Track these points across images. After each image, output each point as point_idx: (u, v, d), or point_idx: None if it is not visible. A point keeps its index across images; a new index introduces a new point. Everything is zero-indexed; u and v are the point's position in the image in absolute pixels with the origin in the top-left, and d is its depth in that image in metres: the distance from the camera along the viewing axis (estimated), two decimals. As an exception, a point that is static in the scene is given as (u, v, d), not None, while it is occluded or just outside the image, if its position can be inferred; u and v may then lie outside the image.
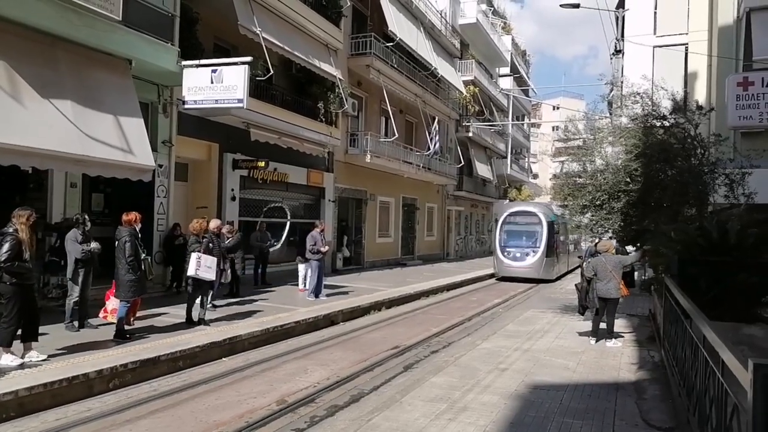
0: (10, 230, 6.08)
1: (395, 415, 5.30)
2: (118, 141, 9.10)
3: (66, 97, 8.53)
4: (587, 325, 9.46)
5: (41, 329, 7.06)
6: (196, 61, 11.46)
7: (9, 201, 10.04)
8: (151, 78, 11.22)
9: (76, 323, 7.92)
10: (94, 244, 7.90)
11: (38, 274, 6.50)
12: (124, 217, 7.75)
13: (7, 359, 6.06)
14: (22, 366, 6.04)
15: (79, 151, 8.38)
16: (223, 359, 7.81)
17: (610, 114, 15.60)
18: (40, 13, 8.31)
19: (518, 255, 20.55)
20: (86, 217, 8.19)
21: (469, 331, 10.44)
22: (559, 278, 22.04)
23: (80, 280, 7.80)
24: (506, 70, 39.65)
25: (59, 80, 8.60)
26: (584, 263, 10.35)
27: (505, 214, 21.95)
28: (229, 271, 11.13)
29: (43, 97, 8.18)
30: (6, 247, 5.93)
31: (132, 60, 9.98)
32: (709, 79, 16.21)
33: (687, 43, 18.27)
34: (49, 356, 6.45)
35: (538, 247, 20.39)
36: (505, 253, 20.76)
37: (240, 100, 11.30)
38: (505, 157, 39.80)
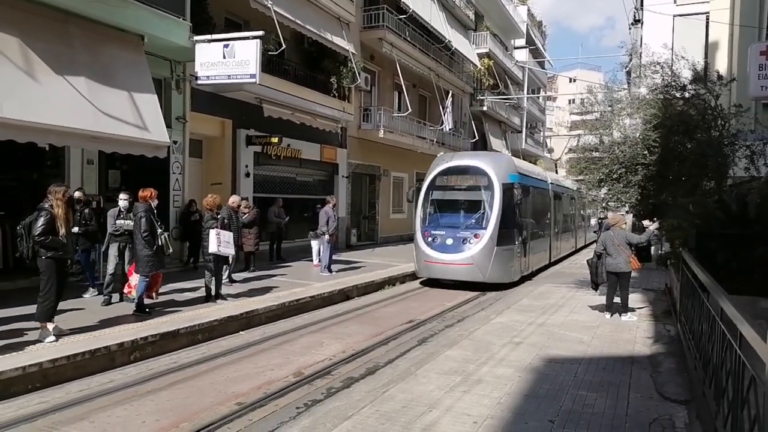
0: (46, 206, 6.20)
1: (410, 387, 5.35)
2: (133, 117, 9.14)
3: (80, 73, 8.55)
4: (602, 300, 9.43)
5: (71, 303, 7.23)
6: (208, 36, 11.40)
7: (27, 178, 10.20)
8: (164, 54, 11.19)
9: (111, 297, 8.23)
10: (128, 222, 8.16)
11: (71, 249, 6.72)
12: (141, 193, 7.87)
13: (50, 338, 6.16)
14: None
15: (95, 128, 8.44)
16: (241, 333, 7.94)
17: (629, 84, 15.21)
18: (53, -11, 8.28)
19: (449, 242, 12.36)
20: (120, 195, 8.52)
21: (482, 306, 10.47)
22: (526, 278, 13.77)
23: (110, 254, 8.32)
24: (521, 41, 38.85)
25: (73, 57, 8.60)
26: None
27: (434, 173, 13.41)
28: (244, 246, 11.25)
29: (57, 73, 8.20)
30: (41, 221, 6.07)
31: (144, 36, 9.95)
32: (730, 48, 15.77)
33: (708, 12, 17.73)
34: (72, 329, 6.60)
35: (485, 228, 12.24)
36: (429, 239, 12.61)
37: (252, 75, 11.25)
38: (520, 132, 39.32)
